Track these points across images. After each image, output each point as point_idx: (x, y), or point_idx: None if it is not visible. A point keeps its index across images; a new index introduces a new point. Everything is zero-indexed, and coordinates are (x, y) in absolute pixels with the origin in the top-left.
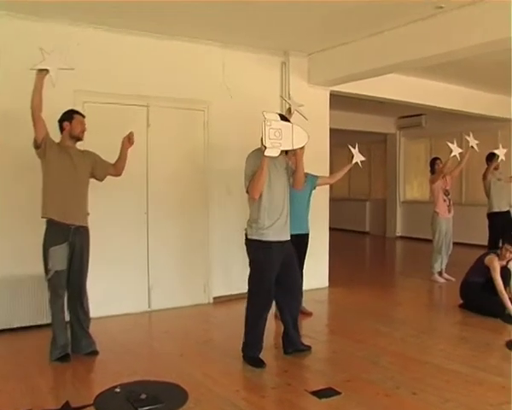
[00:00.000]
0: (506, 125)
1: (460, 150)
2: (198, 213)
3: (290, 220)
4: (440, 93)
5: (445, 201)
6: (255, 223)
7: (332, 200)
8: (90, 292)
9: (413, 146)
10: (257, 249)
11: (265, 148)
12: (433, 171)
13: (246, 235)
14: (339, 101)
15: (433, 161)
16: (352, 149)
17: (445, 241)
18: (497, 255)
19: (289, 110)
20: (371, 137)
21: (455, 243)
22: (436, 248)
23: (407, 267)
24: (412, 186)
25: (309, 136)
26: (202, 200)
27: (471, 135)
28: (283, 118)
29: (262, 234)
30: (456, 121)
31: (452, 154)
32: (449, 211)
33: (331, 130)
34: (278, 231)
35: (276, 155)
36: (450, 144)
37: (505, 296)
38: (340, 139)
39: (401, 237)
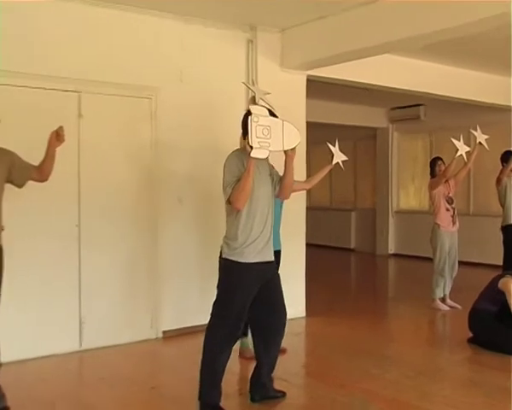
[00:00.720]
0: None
1: (467, 149)
2: (143, 228)
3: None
4: (443, 78)
5: (448, 210)
6: (233, 240)
7: (310, 210)
8: (1, 328)
9: (409, 143)
10: (231, 271)
11: (252, 148)
12: (433, 174)
13: (221, 253)
14: (318, 88)
15: (434, 162)
16: (331, 148)
17: (448, 260)
18: None
19: (253, 99)
20: (357, 133)
21: (461, 263)
22: (437, 268)
23: (402, 292)
24: (408, 193)
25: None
26: (149, 211)
27: (478, 129)
28: (271, 114)
29: (241, 254)
30: (463, 113)
31: (458, 153)
32: (453, 223)
33: (308, 123)
34: (260, 250)
35: (265, 156)
36: (455, 141)
37: None
38: (319, 135)
39: (394, 255)
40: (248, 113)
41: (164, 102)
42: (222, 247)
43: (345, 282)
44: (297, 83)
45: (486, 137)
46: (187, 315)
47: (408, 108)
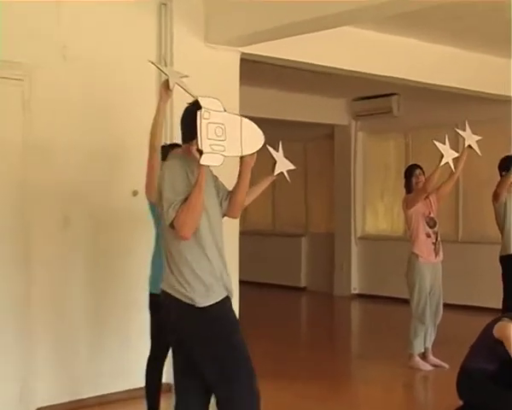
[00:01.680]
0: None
1: (455, 154)
2: (8, 264)
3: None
4: (423, 59)
5: (428, 236)
6: (198, 278)
7: (245, 235)
8: None
9: (378, 146)
10: (220, 316)
11: (201, 153)
12: (409, 187)
13: (185, 304)
14: (255, 71)
15: (411, 172)
16: (272, 152)
17: (430, 301)
18: None
19: (166, 84)
20: (309, 132)
21: (447, 306)
22: (416, 313)
23: (370, 347)
24: (376, 212)
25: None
26: (17, 236)
27: (468, 127)
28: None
29: (218, 290)
30: (449, 106)
31: (443, 161)
32: (435, 253)
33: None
34: (229, 286)
35: (218, 164)
36: (438, 145)
37: None
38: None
39: (359, 297)
40: (195, 106)
41: (42, 88)
42: (180, 294)
43: (294, 333)
44: (227, 63)
45: (478, 138)
46: (72, 385)
47: (376, 98)
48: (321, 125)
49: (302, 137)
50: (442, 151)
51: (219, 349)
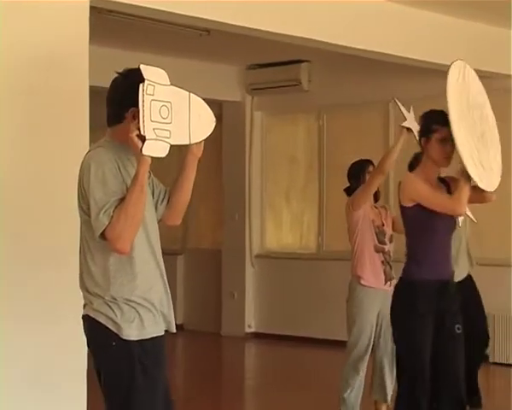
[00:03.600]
0: (500, 90)
1: (418, 127)
2: None
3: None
4: (342, 16)
5: (377, 251)
6: (130, 304)
7: None
8: None
9: (282, 130)
10: (147, 357)
11: (144, 140)
12: (357, 183)
13: (108, 332)
14: (110, 25)
15: (360, 168)
16: (404, 112)
17: (378, 345)
18: None
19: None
20: None
21: None
22: (350, 356)
23: (273, 407)
24: (280, 221)
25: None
26: None
27: (399, 104)
28: None
29: (155, 323)
30: (375, 79)
31: (406, 124)
32: (386, 276)
33: (95, 91)
34: (165, 311)
35: (164, 154)
36: (402, 108)
37: None
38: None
39: (256, 336)
40: (127, 77)
41: None
42: (93, 313)
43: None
44: (71, 13)
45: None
46: None
47: (280, 66)
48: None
49: None
50: (405, 115)
51: (117, 398)
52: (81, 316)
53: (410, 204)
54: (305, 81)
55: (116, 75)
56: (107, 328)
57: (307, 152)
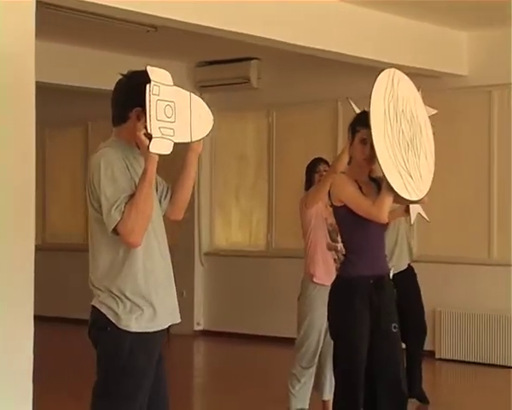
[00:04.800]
0: (449, 90)
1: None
2: None
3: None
4: (291, 14)
5: (330, 249)
6: (138, 296)
7: (44, 251)
8: None
9: (231, 128)
10: (134, 351)
11: (151, 138)
12: (309, 181)
13: (107, 321)
14: (58, 20)
15: (313, 167)
16: (355, 109)
17: (323, 342)
18: None
19: None
20: None
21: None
22: (299, 353)
23: (225, 404)
24: (229, 219)
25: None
26: None
27: (353, 104)
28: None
29: (151, 318)
30: (327, 77)
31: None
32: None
33: (42, 87)
34: (169, 306)
35: (168, 151)
36: (355, 106)
37: None
38: (66, 109)
39: (205, 334)
40: (136, 78)
41: None
42: (101, 307)
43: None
44: (17, 9)
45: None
46: None
47: (229, 64)
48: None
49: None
50: (354, 108)
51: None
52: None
53: (339, 204)
54: (254, 79)
55: (120, 77)
56: (107, 317)
57: (257, 150)
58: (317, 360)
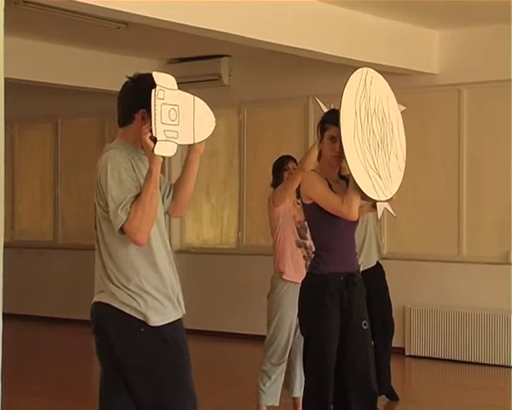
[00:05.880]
0: (420, 88)
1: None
2: None
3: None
4: (261, 10)
5: (299, 246)
6: (150, 291)
7: (13, 249)
8: None
9: None
10: (173, 340)
11: (155, 141)
12: (277, 179)
13: (131, 319)
14: (27, 16)
15: (281, 164)
16: (323, 107)
17: (293, 339)
18: None
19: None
20: (108, 103)
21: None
22: (269, 349)
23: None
24: (200, 216)
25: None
26: None
27: (319, 102)
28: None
29: (171, 309)
30: (298, 74)
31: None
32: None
33: (11, 83)
34: (178, 296)
35: (172, 153)
36: (322, 105)
37: None
38: (34, 105)
39: None
40: (142, 81)
41: None
42: (116, 300)
43: (75, 385)
44: None
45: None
46: None
47: (200, 61)
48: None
49: (99, 110)
50: (325, 112)
51: (161, 378)
52: (96, 301)
53: (309, 202)
54: (225, 76)
55: (126, 80)
56: (133, 317)
57: (227, 147)
58: (287, 356)
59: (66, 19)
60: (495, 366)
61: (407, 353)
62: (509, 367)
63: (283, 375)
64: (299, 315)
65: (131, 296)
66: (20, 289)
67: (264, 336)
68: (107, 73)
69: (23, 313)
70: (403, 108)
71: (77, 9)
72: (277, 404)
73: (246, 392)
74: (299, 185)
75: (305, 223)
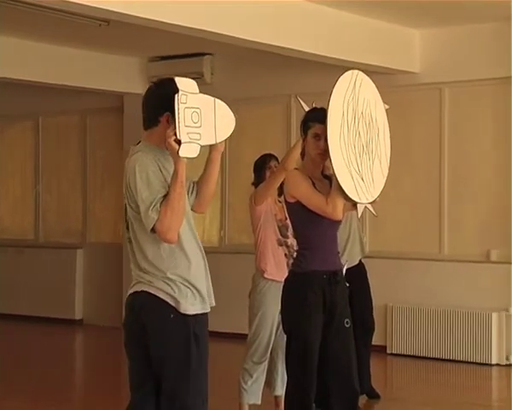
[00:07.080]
0: (403, 87)
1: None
2: None
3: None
4: (245, 9)
5: (280, 244)
6: (182, 283)
7: None
8: None
9: None
10: (200, 330)
11: (180, 143)
12: (259, 178)
13: (164, 304)
14: (7, 14)
15: (262, 163)
16: (304, 106)
17: (275, 337)
18: None
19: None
20: (88, 102)
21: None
22: (250, 347)
23: None
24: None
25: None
26: None
27: (301, 101)
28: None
29: (200, 301)
30: (279, 73)
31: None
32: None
33: None
34: (207, 290)
35: (195, 154)
36: (303, 104)
37: None
38: (15, 103)
39: None
40: (165, 85)
41: None
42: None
43: (62, 389)
44: None
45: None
46: None
47: (182, 59)
48: (105, 94)
49: (78, 108)
50: (303, 106)
51: (179, 367)
52: (132, 292)
53: (292, 200)
54: (207, 74)
55: (150, 84)
56: (167, 302)
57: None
58: (268, 355)
59: (45, 16)
60: (476, 363)
61: (388, 351)
62: (491, 365)
63: (265, 373)
64: (281, 313)
65: (167, 283)
66: (0, 287)
67: (246, 335)
68: (89, 70)
69: (4, 312)
70: (386, 106)
71: (58, 7)
72: (259, 402)
73: (228, 390)
74: (282, 184)
75: (287, 221)
